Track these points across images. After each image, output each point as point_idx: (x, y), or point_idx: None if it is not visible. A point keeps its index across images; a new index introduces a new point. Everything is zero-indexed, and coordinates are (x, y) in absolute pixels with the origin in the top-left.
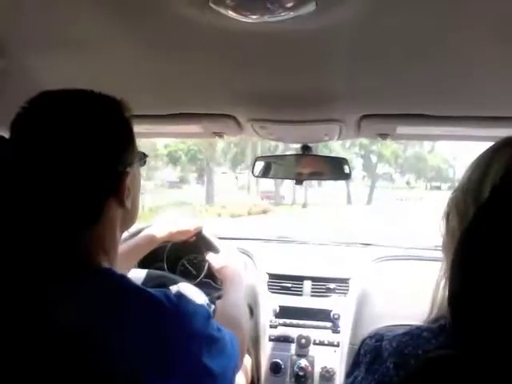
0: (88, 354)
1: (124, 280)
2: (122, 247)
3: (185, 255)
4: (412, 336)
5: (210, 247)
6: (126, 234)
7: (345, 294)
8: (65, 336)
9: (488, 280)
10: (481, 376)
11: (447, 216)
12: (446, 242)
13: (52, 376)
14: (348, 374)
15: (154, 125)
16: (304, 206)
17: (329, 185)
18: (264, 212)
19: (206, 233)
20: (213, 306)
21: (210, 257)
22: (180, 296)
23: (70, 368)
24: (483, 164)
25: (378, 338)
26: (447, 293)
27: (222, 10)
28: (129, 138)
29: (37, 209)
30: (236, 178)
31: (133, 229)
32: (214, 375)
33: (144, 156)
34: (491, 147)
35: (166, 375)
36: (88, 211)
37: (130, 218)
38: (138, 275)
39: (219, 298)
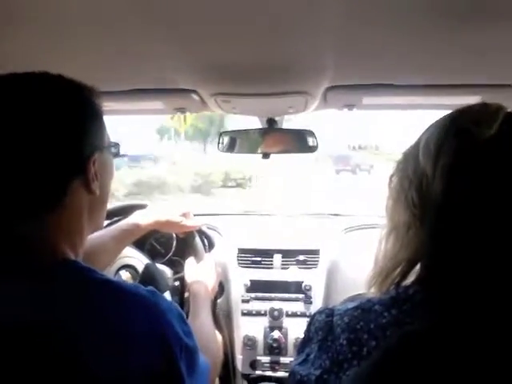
0: (51, 350)
1: (91, 272)
2: (110, 232)
3: (152, 233)
4: (363, 310)
5: (194, 252)
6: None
7: (315, 265)
8: (21, 334)
9: (463, 248)
10: (460, 347)
11: (390, 178)
12: (388, 203)
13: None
14: (299, 351)
15: (111, 102)
16: None
17: None
18: None
19: (201, 234)
20: (177, 283)
21: (187, 263)
22: (154, 291)
23: (32, 366)
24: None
25: (328, 313)
26: (388, 251)
27: None
28: (96, 122)
29: None
30: None
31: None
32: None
33: (117, 146)
34: (440, 124)
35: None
36: (48, 192)
37: (98, 206)
38: None
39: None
